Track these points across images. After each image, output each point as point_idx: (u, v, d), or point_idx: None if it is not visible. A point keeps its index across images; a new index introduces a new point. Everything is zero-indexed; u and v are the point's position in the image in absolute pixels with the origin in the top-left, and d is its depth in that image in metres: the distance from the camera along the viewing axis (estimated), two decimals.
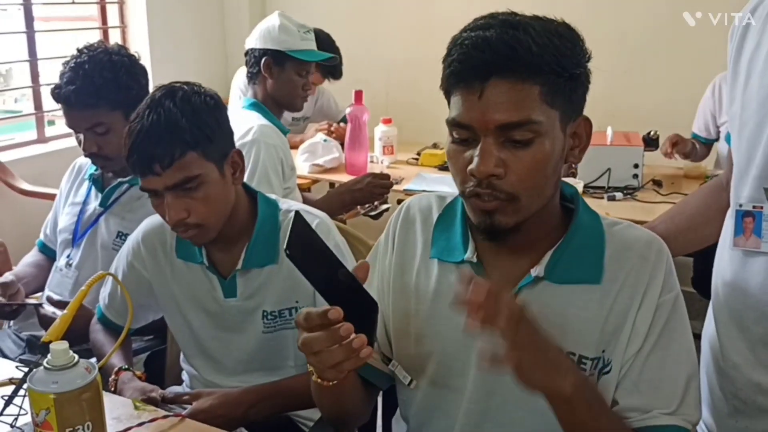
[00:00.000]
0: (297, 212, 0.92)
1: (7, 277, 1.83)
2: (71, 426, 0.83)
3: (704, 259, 2.61)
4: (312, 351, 0.93)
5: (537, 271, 1.03)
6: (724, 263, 1.21)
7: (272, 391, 1.45)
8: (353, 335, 0.90)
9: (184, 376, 1.65)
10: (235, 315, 1.50)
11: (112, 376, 1.44)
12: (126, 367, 1.46)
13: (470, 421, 1.11)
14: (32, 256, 2.04)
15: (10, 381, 1.24)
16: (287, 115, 2.91)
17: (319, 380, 1.02)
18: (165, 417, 1.21)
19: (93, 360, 0.86)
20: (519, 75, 0.94)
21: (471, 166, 0.96)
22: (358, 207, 2.49)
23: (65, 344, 0.85)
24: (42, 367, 0.83)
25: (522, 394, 0.95)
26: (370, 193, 2.42)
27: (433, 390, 1.14)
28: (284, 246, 0.86)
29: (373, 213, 2.56)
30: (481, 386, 1.08)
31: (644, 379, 1.02)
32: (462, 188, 1.00)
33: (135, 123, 1.34)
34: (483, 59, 0.94)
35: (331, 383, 1.02)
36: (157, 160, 1.32)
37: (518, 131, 0.95)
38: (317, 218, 1.48)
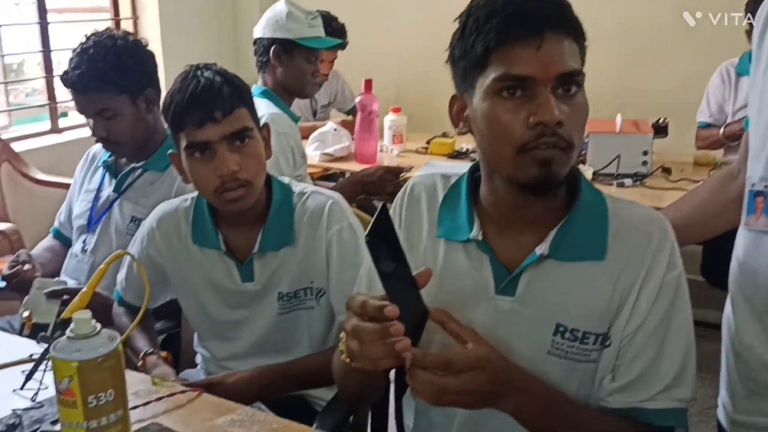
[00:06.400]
0: (383, 204, 0.92)
1: (22, 252, 1.87)
2: (94, 393, 0.85)
3: (714, 247, 2.60)
4: (358, 339, 0.93)
5: (542, 249, 1.04)
6: (739, 244, 1.21)
7: (285, 371, 1.47)
8: (401, 336, 0.90)
9: (198, 359, 1.67)
10: (251, 298, 1.51)
11: (140, 362, 1.46)
12: (151, 351, 1.47)
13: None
14: (47, 241, 2.07)
15: (31, 357, 1.26)
16: (304, 102, 2.88)
17: (348, 360, 1.00)
18: (183, 392, 1.23)
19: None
20: (566, 30, 0.99)
21: (537, 117, 0.96)
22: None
23: (88, 313, 0.87)
24: (65, 337, 0.86)
25: None
26: (380, 185, 2.44)
27: None
28: (366, 233, 0.88)
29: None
30: None
31: (644, 356, 1.03)
32: (519, 142, 0.98)
33: (188, 81, 1.38)
34: (538, 13, 0.97)
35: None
36: (219, 107, 1.36)
37: (575, 80, 0.99)
38: (331, 198, 1.50)
